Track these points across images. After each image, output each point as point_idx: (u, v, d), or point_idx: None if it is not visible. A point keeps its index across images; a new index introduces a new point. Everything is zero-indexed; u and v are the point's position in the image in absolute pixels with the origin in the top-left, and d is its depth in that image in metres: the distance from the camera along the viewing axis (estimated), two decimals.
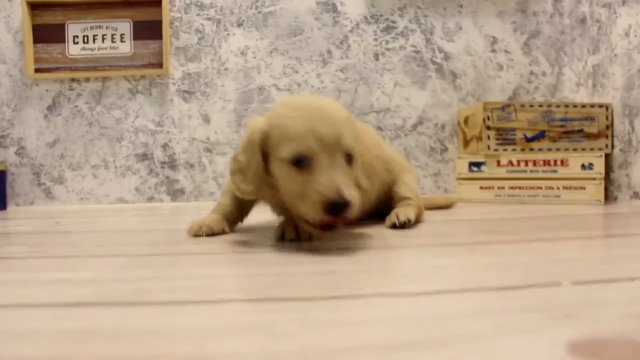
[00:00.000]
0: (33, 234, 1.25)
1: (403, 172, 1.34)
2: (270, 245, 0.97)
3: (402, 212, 1.21)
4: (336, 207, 0.86)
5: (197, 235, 1.11)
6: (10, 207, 2.05)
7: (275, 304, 0.57)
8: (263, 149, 0.97)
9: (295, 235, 1.00)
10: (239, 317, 0.53)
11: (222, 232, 1.13)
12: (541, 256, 0.82)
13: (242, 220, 1.22)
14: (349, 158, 0.93)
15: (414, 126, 2.11)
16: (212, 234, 1.11)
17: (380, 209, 1.29)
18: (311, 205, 0.88)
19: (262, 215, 1.22)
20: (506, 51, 2.14)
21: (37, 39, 2.03)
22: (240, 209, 1.19)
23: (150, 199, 2.07)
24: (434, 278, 0.68)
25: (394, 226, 1.18)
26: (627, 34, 1.78)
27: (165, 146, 2.06)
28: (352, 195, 0.87)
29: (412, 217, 1.20)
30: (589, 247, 0.91)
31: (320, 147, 0.89)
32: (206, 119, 2.07)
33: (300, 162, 0.90)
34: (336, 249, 0.92)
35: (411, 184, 1.32)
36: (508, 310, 0.52)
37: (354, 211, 0.88)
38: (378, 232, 1.13)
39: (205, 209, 1.78)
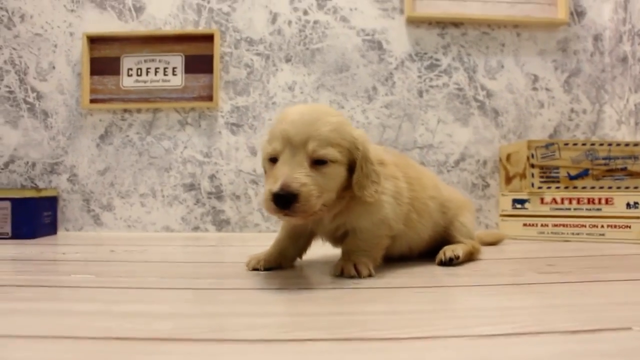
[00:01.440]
0: (92, 262, 1.29)
1: (461, 211, 1.36)
2: (330, 281, 1.00)
3: (449, 249, 1.24)
4: (280, 199, 0.91)
5: (255, 269, 1.14)
6: (60, 232, 2.11)
7: (360, 344, 0.59)
8: (263, 160, 1.05)
9: (355, 272, 1.03)
10: (329, 356, 0.56)
11: (280, 267, 1.16)
12: (602, 298, 0.84)
13: (300, 256, 1.24)
14: (319, 161, 0.97)
15: (457, 162, 2.13)
16: (270, 268, 1.15)
17: (434, 249, 1.30)
18: (264, 197, 0.94)
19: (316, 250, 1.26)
20: (547, 89, 2.17)
21: (93, 71, 2.12)
22: (296, 242, 1.21)
23: (196, 228, 2.12)
24: (505, 320, 0.70)
25: (441, 263, 1.22)
26: None
27: (212, 177, 2.12)
28: (299, 189, 0.91)
29: (460, 254, 1.22)
30: None
31: (285, 147, 0.96)
32: (253, 152, 2.12)
33: (274, 160, 0.99)
34: (397, 287, 0.95)
35: (468, 224, 1.34)
36: (588, 355, 0.55)
37: (308, 205, 0.92)
38: (427, 270, 1.15)
39: (250, 240, 1.83)
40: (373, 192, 1.04)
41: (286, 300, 0.84)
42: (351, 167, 1.03)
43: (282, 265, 1.17)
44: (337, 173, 1.00)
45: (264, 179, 1.13)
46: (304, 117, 0.98)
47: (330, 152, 0.98)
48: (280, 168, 0.95)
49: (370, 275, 1.04)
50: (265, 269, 1.14)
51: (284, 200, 0.91)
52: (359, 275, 1.03)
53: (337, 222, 1.10)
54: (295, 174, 0.93)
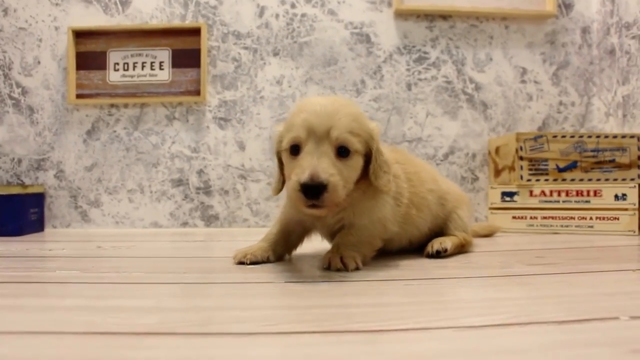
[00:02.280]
0: (78, 258, 1.28)
1: (459, 204, 1.37)
2: (318, 275, 0.99)
3: (437, 242, 1.25)
4: (309, 189, 0.91)
5: (241, 262, 1.14)
6: (47, 229, 2.09)
7: (345, 336, 0.59)
8: (279, 149, 1.07)
9: (342, 265, 1.03)
10: (314, 349, 0.55)
11: (267, 261, 1.16)
12: (590, 289, 0.84)
13: (289, 253, 1.23)
14: (343, 150, 0.98)
15: (446, 155, 2.13)
16: (256, 262, 1.14)
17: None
18: (291, 187, 0.94)
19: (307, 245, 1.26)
20: (535, 82, 2.17)
21: (79, 66, 2.10)
22: (287, 238, 1.21)
23: (185, 224, 2.11)
24: (493, 311, 0.70)
25: (428, 255, 1.22)
26: None
27: (200, 172, 2.11)
28: (328, 179, 0.91)
29: (448, 247, 1.23)
30: (633, 281, 0.92)
31: (309, 136, 0.97)
32: (241, 146, 2.11)
33: (295, 150, 0.99)
34: (385, 279, 0.94)
35: (464, 218, 1.35)
36: (575, 345, 0.54)
37: (336, 195, 0.93)
38: (416, 263, 1.15)
39: (239, 235, 1.82)
40: (387, 182, 1.06)
41: (273, 294, 0.84)
42: (367, 157, 1.05)
43: (269, 259, 1.16)
44: (358, 163, 1.02)
45: (276, 170, 1.13)
46: (326, 107, 0.99)
47: (353, 142, 0.99)
48: (306, 158, 0.95)
49: (357, 269, 1.03)
50: (252, 263, 1.13)
51: (314, 191, 0.91)
52: (346, 269, 1.02)
53: (338, 217, 1.10)
54: (322, 163, 0.93)
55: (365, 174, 1.06)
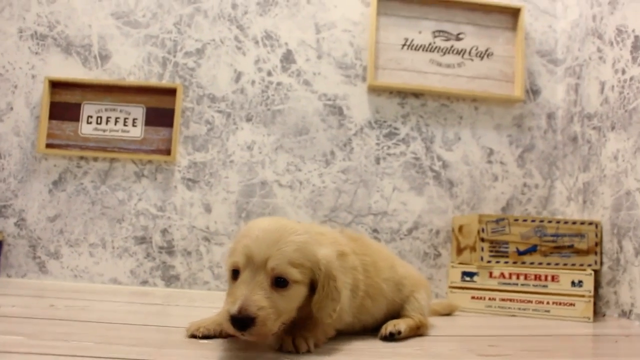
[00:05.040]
0: (28, 319, 1.25)
1: (416, 288, 1.39)
2: (269, 358, 0.98)
3: (391, 324, 1.25)
4: (237, 321, 0.92)
5: (193, 335, 1.12)
6: (2, 278, 2.04)
7: None
8: (227, 269, 1.06)
9: (293, 347, 1.02)
10: None
11: (219, 336, 1.14)
12: None
13: None
14: (281, 280, 0.98)
15: (410, 230, 2.16)
16: (208, 336, 1.13)
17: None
18: (222, 316, 0.97)
19: None
20: (502, 162, 2.23)
21: (52, 116, 2.11)
22: None
23: (144, 282, 2.07)
24: None
25: (382, 337, 1.22)
26: (615, 157, 1.87)
27: (164, 231, 2.09)
28: (257, 313, 0.92)
29: (402, 329, 1.23)
30: None
31: (247, 264, 0.98)
32: (207, 209, 2.11)
33: (235, 275, 1.00)
34: None
35: (421, 300, 1.36)
36: None
37: (265, 329, 0.93)
38: (369, 347, 1.15)
39: (199, 298, 1.80)
40: (332, 312, 1.04)
41: None
42: (313, 284, 1.05)
43: (221, 335, 1.14)
44: (297, 294, 1.02)
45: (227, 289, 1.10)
46: (268, 234, 1.00)
47: (291, 273, 0.99)
48: (240, 287, 0.96)
49: (308, 352, 1.03)
50: (204, 337, 1.12)
51: (242, 323, 0.92)
52: (297, 351, 1.02)
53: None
54: (254, 295, 0.94)
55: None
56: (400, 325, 1.24)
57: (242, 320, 0.91)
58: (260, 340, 1.02)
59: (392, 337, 1.22)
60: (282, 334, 1.07)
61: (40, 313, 1.34)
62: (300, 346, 1.02)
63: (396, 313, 1.34)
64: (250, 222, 1.09)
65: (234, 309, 0.92)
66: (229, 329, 0.95)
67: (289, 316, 1.02)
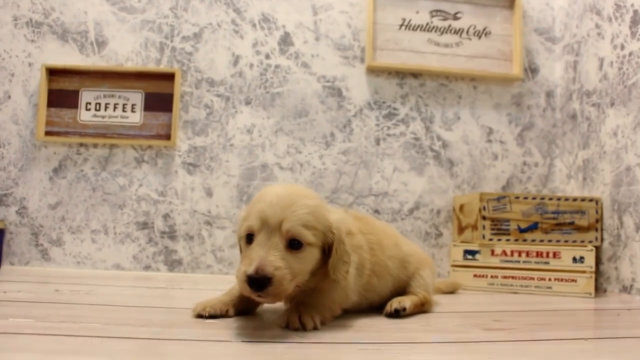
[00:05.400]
0: (34, 303, 1.25)
1: (422, 266, 1.40)
2: (276, 334, 0.99)
3: (396, 301, 1.26)
4: (254, 281, 0.94)
5: (200, 315, 1.13)
6: (5, 266, 2.05)
7: None
8: (239, 235, 1.09)
9: (299, 325, 1.03)
10: None
11: (226, 315, 1.15)
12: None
13: (253, 311, 1.21)
14: (295, 242, 1.00)
15: (411, 211, 2.16)
16: (214, 315, 1.13)
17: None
18: (239, 277, 0.97)
19: None
20: (501, 141, 2.23)
21: (51, 103, 2.10)
22: (249, 297, 1.20)
23: (147, 267, 2.08)
24: None
25: (387, 314, 1.23)
26: (615, 134, 1.87)
27: (166, 216, 2.10)
28: (273, 272, 0.94)
29: (407, 306, 1.24)
30: (586, 352, 0.94)
31: (262, 227, 1.00)
32: (209, 193, 2.11)
33: (250, 239, 1.02)
34: (341, 342, 0.94)
35: (426, 277, 1.38)
36: None
37: (281, 288, 0.96)
38: (376, 323, 1.15)
39: (202, 282, 1.80)
40: (344, 273, 1.07)
41: (228, 354, 0.83)
42: (324, 249, 1.07)
43: (227, 314, 1.15)
44: (311, 256, 1.04)
45: (239, 255, 1.13)
46: (282, 199, 1.02)
47: (305, 234, 1.01)
48: (255, 249, 0.98)
49: (315, 329, 1.04)
50: (210, 317, 1.12)
51: (258, 283, 0.94)
52: (304, 328, 1.02)
53: (297, 299, 1.12)
54: (270, 256, 0.96)
55: (326, 263, 1.07)
56: (405, 302, 1.25)
57: (259, 280, 0.93)
58: (275, 301, 1.04)
59: (397, 314, 1.22)
60: (286, 312, 1.08)
61: (46, 297, 1.35)
62: (307, 323, 1.03)
63: (402, 289, 1.35)
64: (263, 189, 1.11)
65: (251, 269, 0.94)
66: (245, 290, 0.96)
67: (302, 278, 1.03)
